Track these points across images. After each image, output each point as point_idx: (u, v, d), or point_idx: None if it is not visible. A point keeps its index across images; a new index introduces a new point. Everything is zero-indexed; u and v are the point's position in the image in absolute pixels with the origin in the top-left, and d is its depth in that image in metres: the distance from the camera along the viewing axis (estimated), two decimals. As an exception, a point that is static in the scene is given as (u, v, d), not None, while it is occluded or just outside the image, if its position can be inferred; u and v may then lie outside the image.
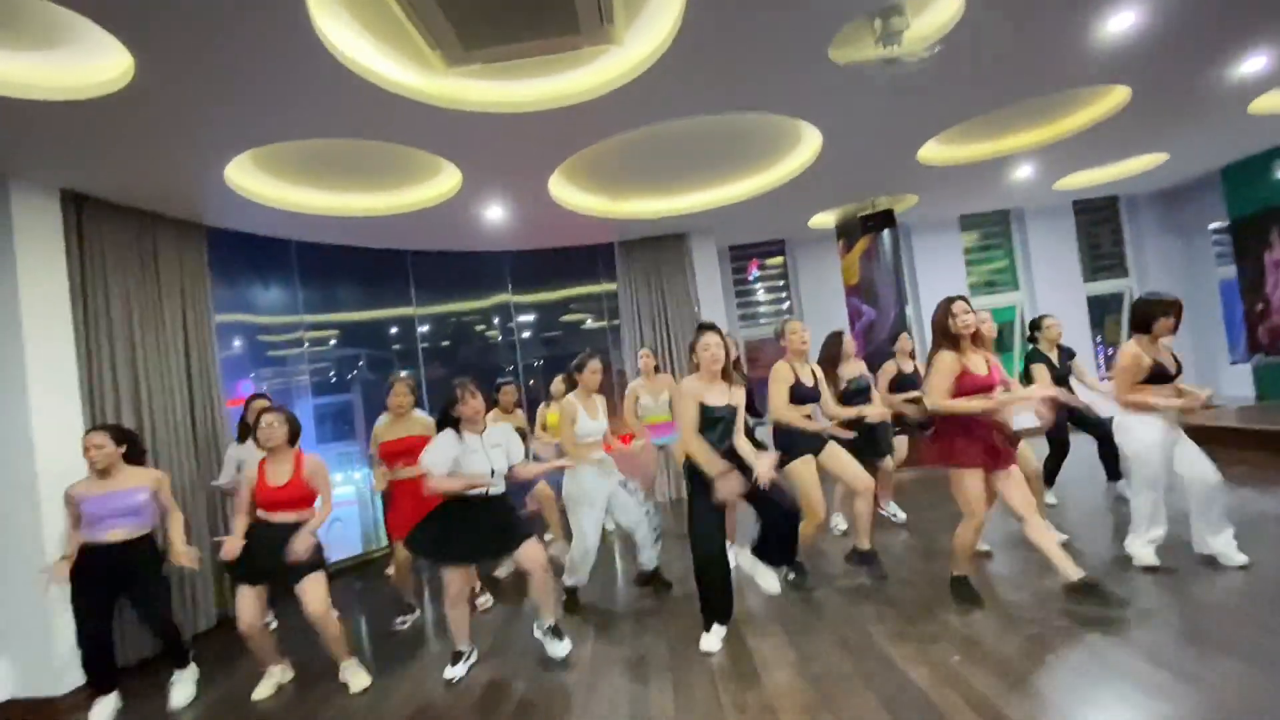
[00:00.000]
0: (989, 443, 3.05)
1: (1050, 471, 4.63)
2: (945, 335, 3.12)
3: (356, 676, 3.22)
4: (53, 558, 3.32)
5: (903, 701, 2.40)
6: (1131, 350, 3.28)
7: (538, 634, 3.23)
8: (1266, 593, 2.92)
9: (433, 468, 3.00)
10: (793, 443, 3.63)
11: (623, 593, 4.15)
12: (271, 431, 3.23)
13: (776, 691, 2.60)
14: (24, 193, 3.68)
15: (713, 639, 3.11)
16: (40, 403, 3.60)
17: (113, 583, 3.22)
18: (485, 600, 4.13)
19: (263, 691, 3.24)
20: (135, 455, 3.39)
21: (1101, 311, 8.93)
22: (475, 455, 3.08)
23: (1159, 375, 3.25)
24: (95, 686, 3.25)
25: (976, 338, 3.15)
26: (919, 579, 3.63)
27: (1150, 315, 3.26)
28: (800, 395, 3.65)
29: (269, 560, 3.11)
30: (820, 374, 3.82)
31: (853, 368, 4.41)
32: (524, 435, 4.73)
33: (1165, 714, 2.13)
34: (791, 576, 3.78)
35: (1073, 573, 2.94)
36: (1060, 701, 2.29)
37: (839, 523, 4.85)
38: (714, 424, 3.06)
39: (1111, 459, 4.68)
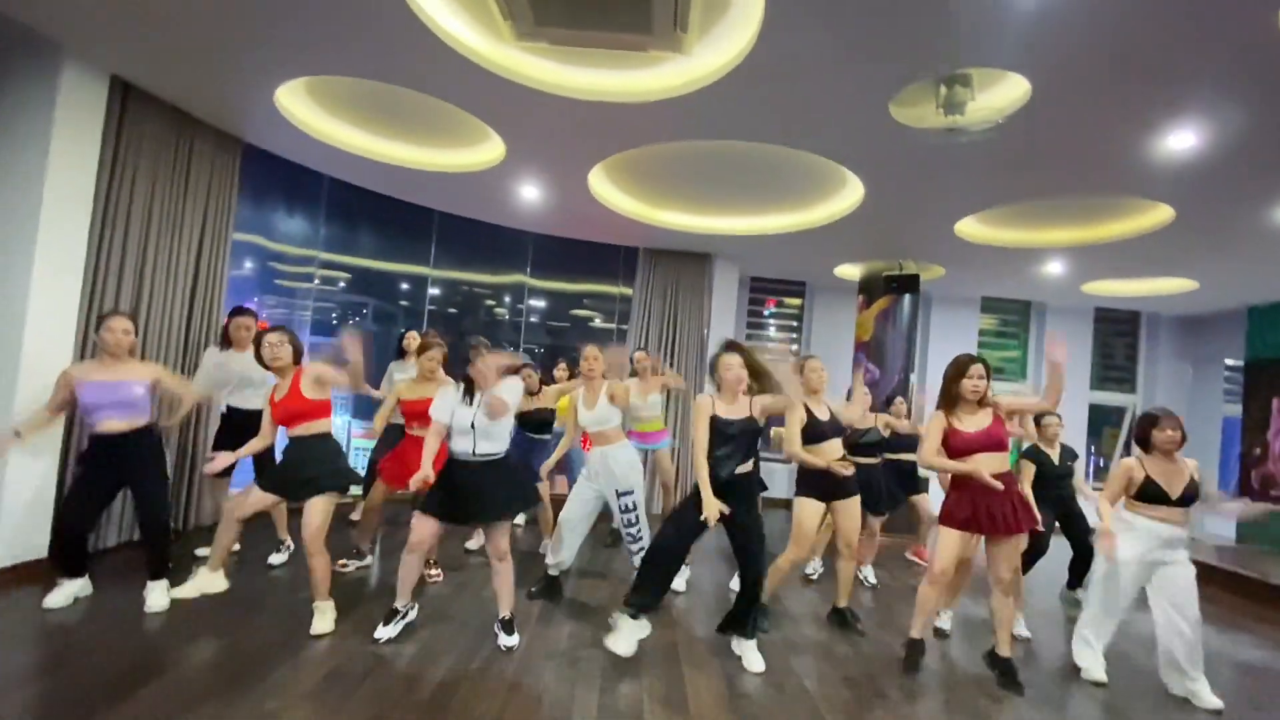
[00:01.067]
0: (984, 509, 3.04)
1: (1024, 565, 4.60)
2: (949, 393, 3.13)
3: (322, 619, 3.15)
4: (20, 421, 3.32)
5: (824, 761, 2.37)
6: (1125, 463, 3.27)
7: (497, 626, 3.21)
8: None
9: (434, 415, 3.08)
10: (806, 480, 3.64)
11: (577, 593, 4.10)
12: (278, 350, 3.21)
13: (701, 723, 2.57)
14: (75, 70, 3.68)
15: (622, 638, 3.05)
16: (42, 276, 3.58)
17: (119, 473, 3.26)
18: (436, 574, 4.09)
19: (184, 591, 3.24)
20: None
21: (1102, 421, 8.91)
22: (464, 410, 3.05)
23: (1152, 494, 3.18)
24: (64, 570, 3.27)
25: (983, 401, 3.13)
26: (868, 645, 3.58)
27: (1145, 428, 3.24)
28: (816, 433, 3.62)
29: (291, 475, 3.16)
30: (837, 410, 3.76)
31: (866, 420, 4.44)
32: (548, 416, 4.69)
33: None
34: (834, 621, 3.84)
35: (1005, 650, 3.19)
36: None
37: (816, 567, 4.86)
38: (728, 440, 3.03)
39: (1079, 570, 4.74)
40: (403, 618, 3.19)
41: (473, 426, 3.03)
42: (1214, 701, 3.07)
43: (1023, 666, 3.44)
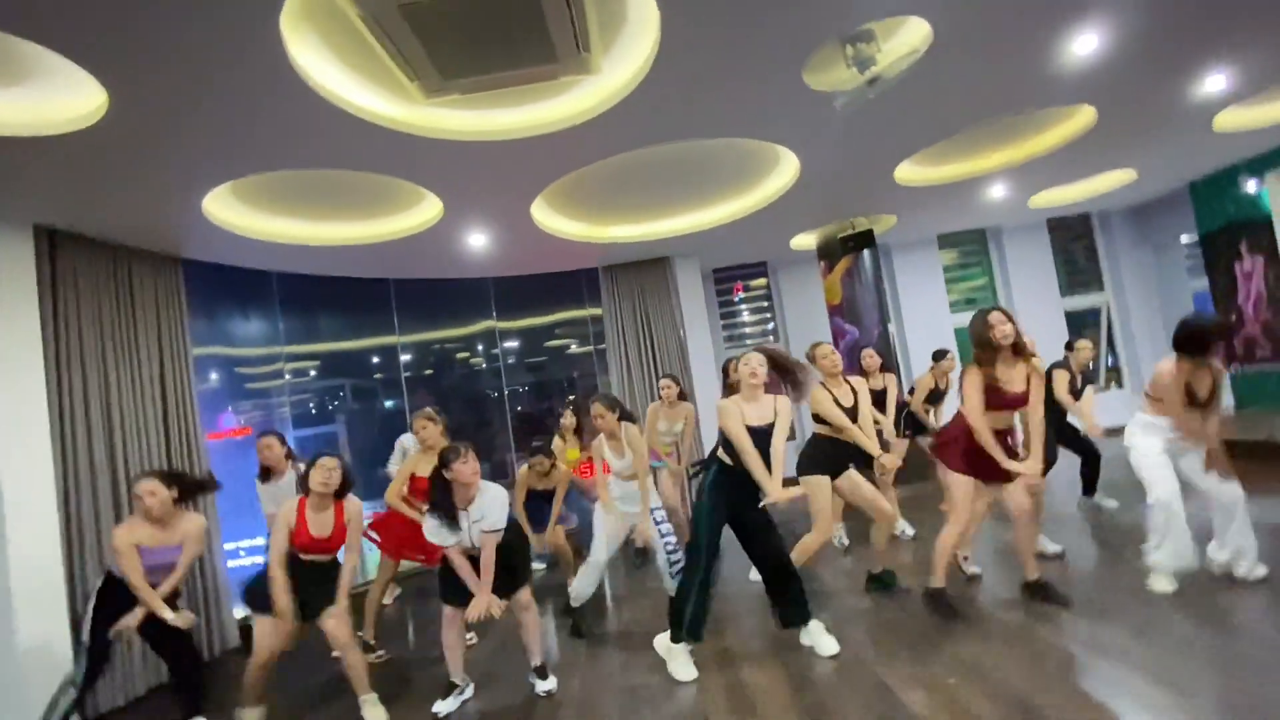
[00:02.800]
0: (986, 459, 3.08)
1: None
2: (983, 346, 3.13)
3: (374, 712, 3.07)
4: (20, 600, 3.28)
5: (899, 728, 2.36)
6: (1172, 371, 3.08)
7: (530, 676, 3.21)
8: (1260, 605, 2.92)
9: (435, 540, 3.07)
10: (814, 462, 3.66)
11: (619, 620, 4.07)
12: (330, 477, 3.13)
13: (770, 722, 2.54)
14: (-6, 228, 3.62)
15: (680, 665, 3.05)
16: (7, 440, 3.50)
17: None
18: (470, 637, 4.02)
19: None
20: (188, 492, 3.23)
21: (1080, 325, 9.06)
22: (457, 534, 3.04)
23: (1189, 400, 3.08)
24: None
25: (1017, 349, 3.12)
26: (915, 601, 3.58)
27: (1201, 338, 2.99)
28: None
29: (305, 597, 3.07)
30: (860, 390, 3.75)
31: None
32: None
33: (1163, 732, 2.10)
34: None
35: (1031, 572, 3.29)
36: (1058, 722, 2.25)
37: (841, 536, 4.87)
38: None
39: (1090, 476, 4.88)
40: (460, 693, 3.15)
41: (471, 541, 3.05)
42: (1261, 569, 3.09)
43: (1069, 581, 3.47)
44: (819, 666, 2.96)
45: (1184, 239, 8.43)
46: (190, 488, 3.25)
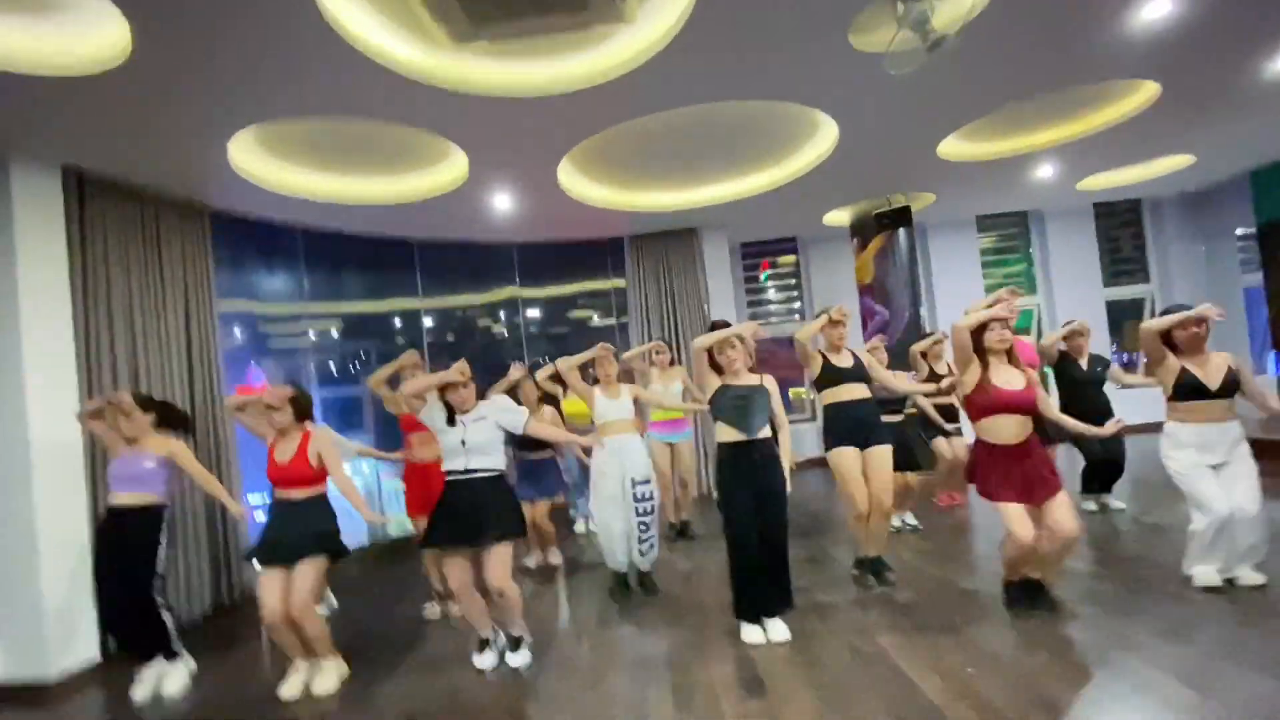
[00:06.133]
0: (1024, 475, 2.89)
1: (1086, 480, 4.71)
2: (976, 350, 3.02)
3: (325, 676, 3.01)
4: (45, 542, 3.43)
5: (911, 713, 2.27)
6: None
7: (502, 644, 3.13)
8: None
9: (427, 419, 3.12)
10: (836, 430, 3.59)
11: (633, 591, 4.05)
12: (278, 415, 3.12)
13: (779, 700, 2.48)
14: (24, 169, 3.61)
15: (751, 630, 3.02)
16: (36, 388, 3.52)
17: (122, 547, 3.21)
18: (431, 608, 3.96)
19: (290, 690, 2.98)
20: (171, 424, 3.43)
21: (1121, 317, 8.73)
22: (452, 432, 3.00)
23: (1190, 387, 3.00)
24: (135, 656, 3.25)
25: (1011, 354, 3.01)
26: (933, 587, 3.49)
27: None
28: (834, 377, 3.58)
29: (283, 537, 3.03)
30: (867, 358, 3.71)
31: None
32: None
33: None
34: (855, 574, 3.70)
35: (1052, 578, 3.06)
36: (1079, 716, 2.16)
37: (905, 517, 4.78)
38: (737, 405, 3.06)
39: (1111, 476, 4.66)
40: (494, 644, 3.11)
41: (463, 444, 2.98)
42: (1259, 577, 2.98)
43: (1090, 580, 3.34)
44: (832, 646, 2.88)
45: (1240, 231, 8.01)
46: (170, 418, 3.47)
